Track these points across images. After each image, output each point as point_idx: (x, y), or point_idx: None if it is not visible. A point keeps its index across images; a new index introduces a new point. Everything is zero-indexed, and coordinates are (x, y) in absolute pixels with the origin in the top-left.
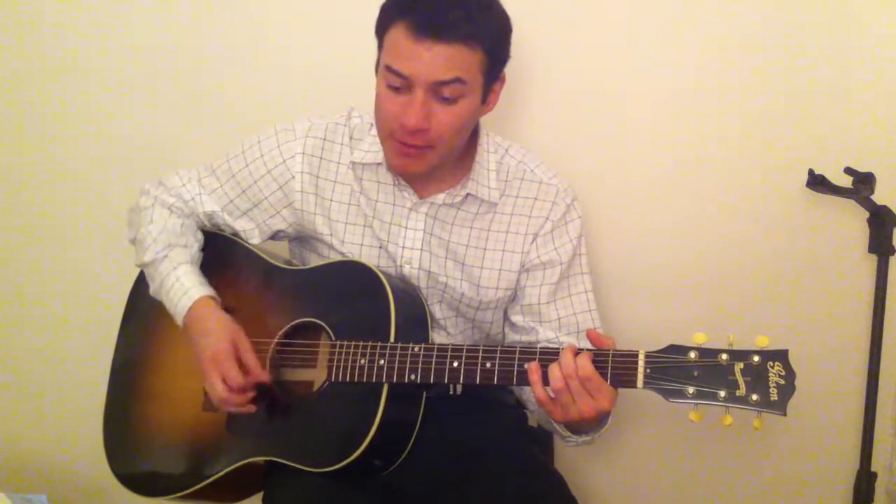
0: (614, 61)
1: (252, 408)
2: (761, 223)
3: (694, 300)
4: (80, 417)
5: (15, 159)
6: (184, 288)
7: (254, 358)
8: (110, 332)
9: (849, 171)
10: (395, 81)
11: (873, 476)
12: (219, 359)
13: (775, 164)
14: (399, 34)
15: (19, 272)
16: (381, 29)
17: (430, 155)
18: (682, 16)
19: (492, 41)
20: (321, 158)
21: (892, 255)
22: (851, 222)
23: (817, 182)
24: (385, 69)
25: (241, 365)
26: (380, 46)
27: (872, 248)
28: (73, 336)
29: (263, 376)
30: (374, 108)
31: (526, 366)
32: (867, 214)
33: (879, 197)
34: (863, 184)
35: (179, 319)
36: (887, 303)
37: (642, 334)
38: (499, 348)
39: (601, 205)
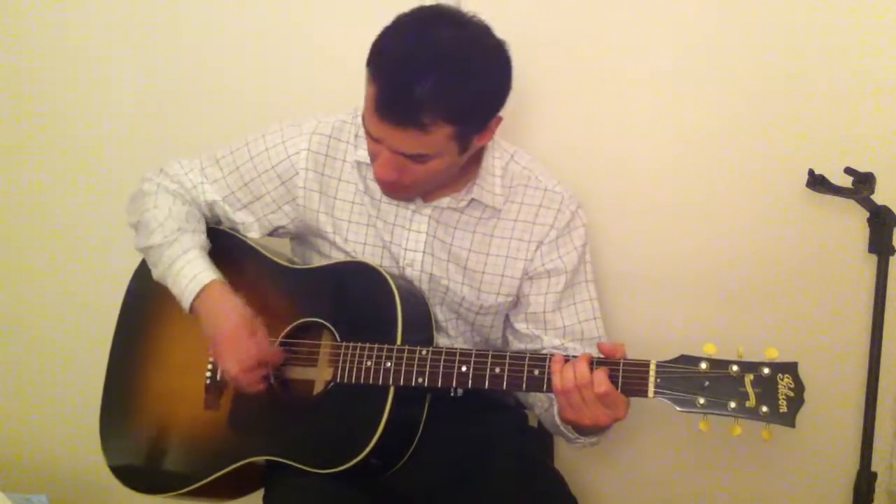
0: (613, 63)
1: (261, 386)
2: (761, 223)
3: (693, 299)
4: (80, 417)
5: (14, 158)
6: (194, 272)
7: (266, 339)
8: (110, 333)
9: (849, 171)
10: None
11: (873, 476)
12: (237, 337)
13: (775, 164)
14: (370, 97)
15: (19, 272)
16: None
17: (410, 193)
18: (682, 16)
19: (463, 114)
20: (326, 156)
21: (892, 255)
22: (851, 222)
23: (817, 182)
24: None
25: (256, 346)
26: None
27: (872, 248)
28: (73, 336)
29: (278, 356)
30: None
31: (549, 358)
32: (867, 214)
33: (879, 197)
34: (863, 184)
35: (187, 303)
36: (887, 303)
37: (642, 332)
38: (508, 353)
39: (599, 206)
